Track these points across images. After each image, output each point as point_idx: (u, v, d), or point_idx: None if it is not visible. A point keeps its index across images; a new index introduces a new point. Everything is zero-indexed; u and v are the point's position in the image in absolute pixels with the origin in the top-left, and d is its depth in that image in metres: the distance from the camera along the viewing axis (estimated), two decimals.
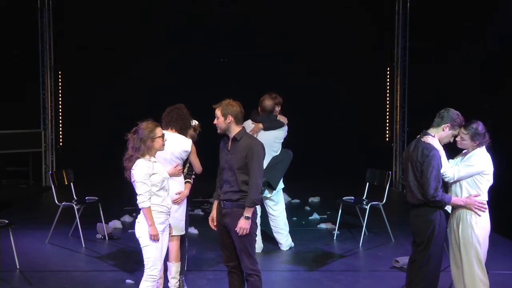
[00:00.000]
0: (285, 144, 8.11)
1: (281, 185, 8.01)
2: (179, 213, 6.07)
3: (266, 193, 7.89)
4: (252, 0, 13.22)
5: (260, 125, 7.82)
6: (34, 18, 12.76)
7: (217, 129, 5.39)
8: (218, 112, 5.35)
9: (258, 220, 8.05)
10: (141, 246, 5.33)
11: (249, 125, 7.92)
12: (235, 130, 5.36)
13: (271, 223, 8.16)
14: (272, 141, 7.86)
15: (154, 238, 5.20)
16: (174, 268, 6.13)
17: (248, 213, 5.26)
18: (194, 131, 6.38)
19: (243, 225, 5.25)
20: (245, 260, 5.36)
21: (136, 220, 5.36)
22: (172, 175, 5.90)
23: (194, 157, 6.24)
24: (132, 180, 5.27)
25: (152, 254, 5.29)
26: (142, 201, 5.21)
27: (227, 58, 14.10)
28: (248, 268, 5.37)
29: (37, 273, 7.10)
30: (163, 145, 5.38)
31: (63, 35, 13.21)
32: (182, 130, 6.15)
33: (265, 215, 8.20)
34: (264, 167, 7.69)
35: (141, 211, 5.29)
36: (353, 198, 8.89)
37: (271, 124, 7.84)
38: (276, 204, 8.04)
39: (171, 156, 6.00)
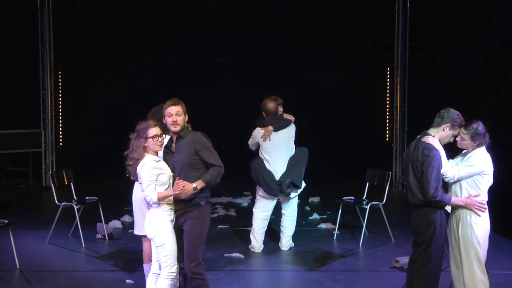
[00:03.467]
0: None
1: (302, 184, 8.01)
2: None
3: (292, 194, 7.90)
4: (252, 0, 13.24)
5: (270, 127, 7.84)
6: (34, 18, 12.77)
7: (175, 127, 5.28)
8: (180, 109, 5.28)
9: (264, 221, 8.06)
10: (155, 245, 5.27)
11: (258, 131, 7.93)
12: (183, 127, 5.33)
13: (281, 221, 8.18)
14: (286, 140, 7.91)
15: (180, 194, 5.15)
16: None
17: (199, 185, 5.18)
18: None
19: (187, 188, 5.13)
20: (189, 262, 5.27)
21: (147, 220, 5.31)
22: None
23: None
24: (139, 182, 5.24)
25: (170, 252, 5.24)
26: (150, 198, 5.15)
27: (227, 58, 14.10)
28: (190, 271, 5.28)
29: (37, 273, 7.09)
30: (159, 145, 5.31)
31: (63, 35, 13.20)
32: (166, 129, 6.10)
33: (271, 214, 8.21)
34: (284, 168, 7.77)
35: (150, 211, 5.26)
36: (353, 198, 8.89)
37: (280, 124, 7.87)
38: (290, 204, 8.05)
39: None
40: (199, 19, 13.26)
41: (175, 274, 5.32)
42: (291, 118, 8.01)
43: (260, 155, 7.94)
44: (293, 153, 7.94)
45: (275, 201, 8.02)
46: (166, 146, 5.42)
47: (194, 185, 5.19)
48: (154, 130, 5.28)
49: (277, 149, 7.84)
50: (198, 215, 5.27)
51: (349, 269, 7.41)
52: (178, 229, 5.32)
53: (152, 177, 5.17)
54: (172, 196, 5.25)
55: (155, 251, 5.34)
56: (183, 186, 5.15)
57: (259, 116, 8.04)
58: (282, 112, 8.04)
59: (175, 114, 5.27)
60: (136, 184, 6.15)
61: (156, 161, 5.26)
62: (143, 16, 13.02)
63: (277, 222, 8.34)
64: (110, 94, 13.33)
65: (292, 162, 7.86)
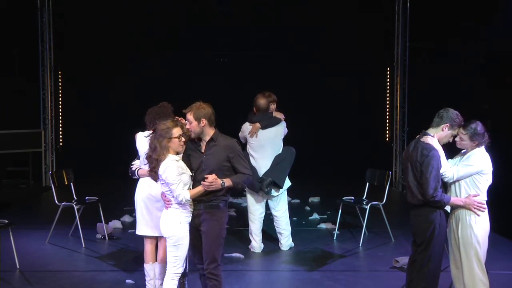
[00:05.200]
0: (286, 142, 8.10)
1: (287, 183, 7.99)
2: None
3: (273, 192, 7.88)
4: None
5: (258, 125, 7.82)
6: (34, 18, 12.77)
7: (190, 134, 5.28)
8: (190, 117, 5.27)
9: (260, 220, 8.06)
10: (172, 244, 5.25)
11: (247, 127, 7.93)
12: (209, 132, 5.30)
13: (274, 223, 8.16)
14: (273, 139, 7.87)
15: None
16: (158, 269, 6.10)
17: (226, 182, 5.18)
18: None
19: (216, 182, 5.12)
20: (208, 263, 5.28)
21: (165, 220, 5.29)
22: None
23: None
24: (165, 182, 5.19)
25: (182, 253, 5.25)
26: (183, 196, 5.12)
27: (227, 58, 14.10)
28: (210, 271, 5.28)
29: (37, 273, 7.09)
30: (182, 146, 5.26)
31: (63, 35, 13.21)
32: None
33: (266, 215, 8.20)
34: (268, 166, 7.75)
35: (168, 210, 5.26)
36: (353, 198, 8.89)
37: (268, 122, 7.83)
38: (279, 204, 8.03)
39: None
40: (199, 19, 13.26)
41: (180, 275, 5.33)
42: (281, 116, 7.95)
43: (247, 150, 7.95)
44: (279, 152, 7.92)
45: (263, 197, 7.99)
46: (192, 143, 5.38)
47: (223, 181, 5.18)
48: (178, 130, 5.24)
49: (263, 147, 7.80)
50: (217, 217, 5.27)
51: (349, 269, 7.41)
52: (194, 229, 5.32)
53: (178, 176, 5.14)
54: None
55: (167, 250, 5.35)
56: (212, 181, 5.13)
57: (252, 110, 8.02)
58: (275, 109, 7.99)
59: (187, 122, 5.30)
60: (140, 184, 6.12)
61: (177, 161, 5.22)
62: (143, 16, 13.02)
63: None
64: (110, 94, 13.34)
65: (276, 161, 7.83)
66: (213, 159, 5.25)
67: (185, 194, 5.14)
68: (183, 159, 5.35)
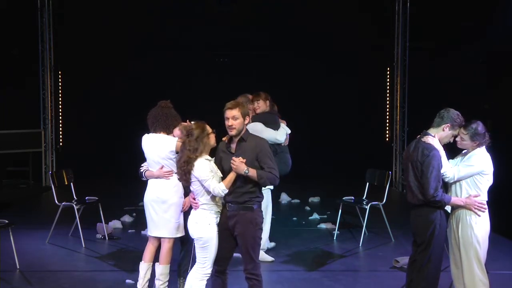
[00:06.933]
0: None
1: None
2: (169, 214, 5.93)
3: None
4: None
5: None
6: (34, 18, 12.77)
7: (231, 131, 5.17)
8: (238, 113, 5.15)
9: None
10: (200, 246, 5.27)
11: None
12: (243, 130, 5.25)
13: None
14: None
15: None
16: (159, 270, 6.09)
17: (250, 171, 5.08)
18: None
19: (240, 165, 5.06)
20: (246, 264, 5.29)
21: (194, 221, 5.29)
22: (158, 177, 5.89)
23: None
24: (197, 180, 5.22)
25: (211, 254, 5.28)
26: (219, 189, 5.14)
27: (227, 58, 14.10)
28: (249, 271, 5.30)
29: (37, 273, 7.09)
30: (214, 139, 5.35)
31: (63, 35, 13.21)
32: (164, 129, 5.95)
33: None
34: None
35: (196, 211, 5.28)
36: (353, 198, 8.89)
37: None
38: None
39: (158, 158, 5.90)
40: (199, 19, 13.26)
41: (209, 275, 5.35)
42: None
43: None
44: None
45: None
46: (224, 146, 5.35)
47: (247, 168, 5.10)
48: (209, 127, 5.31)
49: None
50: (251, 219, 5.21)
51: (349, 269, 7.42)
52: (226, 230, 5.28)
53: (211, 173, 5.18)
54: (219, 199, 5.28)
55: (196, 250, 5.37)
56: (239, 161, 5.10)
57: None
58: (268, 105, 7.71)
59: (231, 118, 5.18)
60: (148, 186, 6.09)
61: (209, 160, 5.27)
62: (143, 16, 13.02)
63: (275, 223, 8.28)
64: (110, 94, 13.34)
65: None
66: (244, 158, 5.16)
67: (220, 185, 5.15)
68: (215, 162, 5.34)
